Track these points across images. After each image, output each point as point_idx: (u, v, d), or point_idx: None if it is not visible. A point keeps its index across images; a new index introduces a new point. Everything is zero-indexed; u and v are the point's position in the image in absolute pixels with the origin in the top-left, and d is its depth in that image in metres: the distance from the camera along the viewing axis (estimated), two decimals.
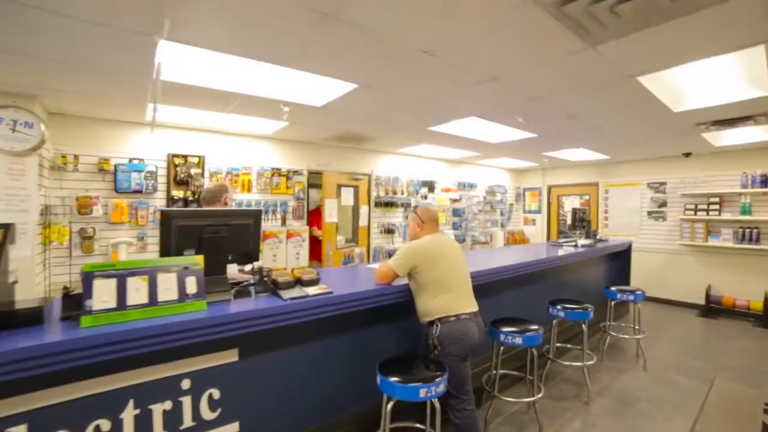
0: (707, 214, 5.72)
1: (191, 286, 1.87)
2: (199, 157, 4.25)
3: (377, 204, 5.70)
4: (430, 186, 6.35)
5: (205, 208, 2.80)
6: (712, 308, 5.64)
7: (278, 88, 3.05)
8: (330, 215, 5.11)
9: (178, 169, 4.14)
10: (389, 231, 5.81)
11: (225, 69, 2.64)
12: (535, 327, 2.71)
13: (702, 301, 5.79)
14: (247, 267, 2.55)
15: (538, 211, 8.08)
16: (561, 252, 4.24)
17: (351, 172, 5.57)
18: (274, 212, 4.82)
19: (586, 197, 7.47)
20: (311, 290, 2.19)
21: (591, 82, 2.76)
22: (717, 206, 5.64)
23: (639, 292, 3.94)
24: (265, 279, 2.28)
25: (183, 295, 1.82)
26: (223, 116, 3.82)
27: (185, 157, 4.19)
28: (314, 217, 5.27)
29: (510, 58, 2.39)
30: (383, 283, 2.40)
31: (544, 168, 8.01)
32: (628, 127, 4.16)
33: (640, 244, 6.53)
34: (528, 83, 2.80)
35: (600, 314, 4.40)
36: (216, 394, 1.86)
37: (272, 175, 4.78)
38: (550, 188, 8.00)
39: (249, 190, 4.64)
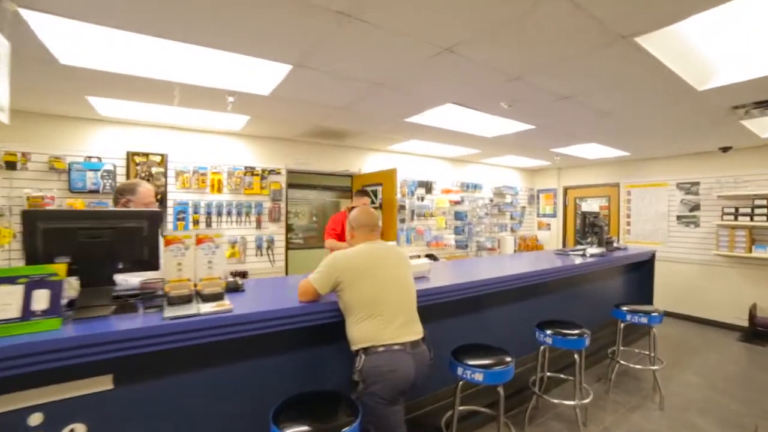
0: (751, 220, 4.78)
1: (41, 301, 1.50)
2: (161, 155, 3.95)
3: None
4: (428, 187, 5.78)
5: (81, 209, 2.42)
6: (758, 332, 4.69)
7: (219, 75, 2.65)
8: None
9: (138, 167, 3.85)
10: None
11: (156, 55, 2.29)
12: (507, 359, 2.12)
13: (745, 323, 4.85)
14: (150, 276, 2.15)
15: (554, 215, 7.28)
16: (564, 262, 3.57)
17: (335, 172, 5.12)
18: (248, 214, 4.44)
19: (606, 200, 6.61)
20: (206, 307, 1.76)
21: (579, 49, 2.14)
22: (764, 210, 4.69)
23: (655, 314, 3.20)
24: (159, 292, 1.90)
25: (28, 312, 1.46)
26: (186, 111, 3.49)
27: (147, 155, 3.89)
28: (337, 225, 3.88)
29: (473, 22, 1.84)
30: (305, 300, 1.93)
31: (560, 168, 7.21)
32: (642, 115, 3.43)
33: (669, 253, 5.63)
34: (503, 56, 2.22)
35: (612, 336, 3.68)
36: (81, 429, 1.47)
37: (245, 175, 4.41)
38: (566, 189, 7.18)
39: (219, 190, 4.29)
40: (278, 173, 4.65)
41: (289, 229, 7.22)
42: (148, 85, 2.75)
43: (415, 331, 1.87)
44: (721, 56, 2.58)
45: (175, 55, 2.30)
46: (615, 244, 4.89)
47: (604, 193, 6.61)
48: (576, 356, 2.56)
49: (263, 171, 4.53)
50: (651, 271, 4.91)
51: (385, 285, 1.86)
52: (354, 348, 1.80)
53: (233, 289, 2.23)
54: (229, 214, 4.34)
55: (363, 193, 4.07)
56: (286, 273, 4.70)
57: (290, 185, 6.72)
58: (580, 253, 4.17)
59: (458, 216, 6.10)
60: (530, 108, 3.19)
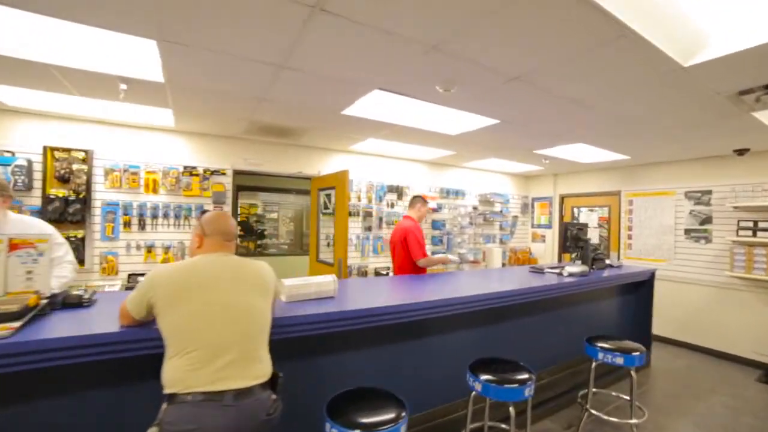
0: None
1: None
2: (86, 151, 3.56)
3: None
4: (399, 192, 5.20)
5: None
6: None
7: (103, 58, 2.24)
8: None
9: (57, 164, 3.48)
10: None
11: (29, 33, 1.94)
12: (388, 417, 1.53)
13: (766, 359, 4.00)
14: None
15: (549, 226, 6.52)
16: (533, 282, 2.92)
17: (291, 174, 4.63)
18: (186, 217, 4.00)
19: (606, 210, 5.82)
20: None
21: (522, 10, 1.56)
22: None
23: (636, 353, 2.49)
24: None
25: None
26: (113, 104, 3.10)
27: (68, 150, 3.52)
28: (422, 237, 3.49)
29: None
30: (124, 324, 1.46)
31: (555, 174, 6.47)
32: (624, 104, 2.76)
33: (675, 272, 4.81)
34: (416, 19, 1.66)
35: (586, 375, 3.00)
36: None
37: (183, 175, 3.97)
38: (562, 198, 6.43)
39: (155, 191, 3.87)
40: (223, 174, 4.19)
41: (258, 235, 6.80)
42: (28, 69, 2.35)
43: (250, 375, 1.33)
44: (713, 24, 1.92)
45: (50, 33, 1.94)
46: (607, 261, 4.17)
47: (603, 202, 5.83)
48: (511, 409, 1.91)
49: (205, 171, 4.08)
50: (650, 293, 4.15)
51: (206, 312, 1.34)
52: (163, 392, 1.28)
53: (73, 303, 1.78)
54: (165, 216, 3.91)
55: (420, 200, 3.61)
56: None
57: (250, 188, 6.37)
58: (557, 271, 3.49)
59: (435, 225, 5.48)
60: (476, 93, 2.59)
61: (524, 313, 3.01)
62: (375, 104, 2.96)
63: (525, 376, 2.00)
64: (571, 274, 3.37)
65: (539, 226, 6.70)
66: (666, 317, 4.86)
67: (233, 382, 1.28)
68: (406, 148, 4.70)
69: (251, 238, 6.65)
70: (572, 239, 3.76)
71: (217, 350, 1.30)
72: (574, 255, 3.86)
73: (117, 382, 1.56)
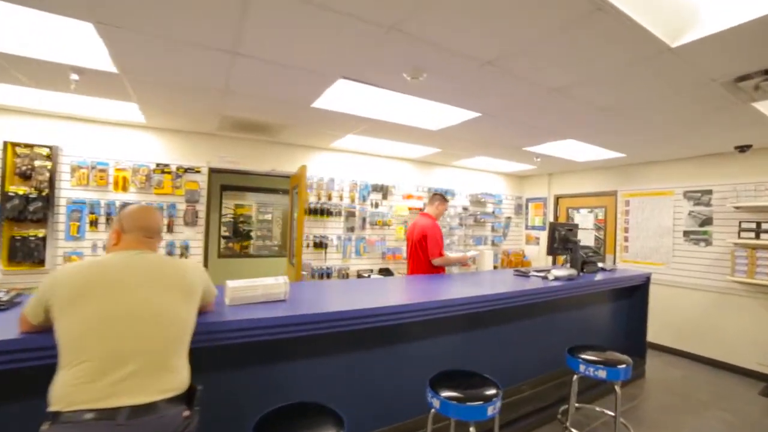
0: None
1: None
2: (50, 147, 3.40)
3: (305, 211, 4.49)
4: (384, 191, 5.00)
5: None
6: None
7: (53, 46, 2.09)
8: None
9: (18, 160, 3.32)
10: (320, 245, 4.55)
11: None
12: None
13: None
14: None
15: (543, 227, 6.27)
16: (516, 287, 2.70)
17: (270, 172, 4.44)
18: None
19: (602, 211, 5.57)
20: None
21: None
22: None
23: (621, 366, 2.26)
24: None
25: None
26: (79, 99, 2.95)
27: (31, 146, 3.36)
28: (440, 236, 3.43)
29: None
30: (23, 330, 1.29)
31: (550, 173, 6.23)
32: (612, 95, 2.54)
33: (673, 276, 4.56)
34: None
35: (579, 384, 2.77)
36: None
37: (154, 172, 3.80)
38: (557, 198, 6.18)
39: (125, 189, 3.70)
40: (197, 172, 4.02)
41: (244, 236, 6.62)
42: None
43: (155, 388, 1.15)
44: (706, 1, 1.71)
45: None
46: (600, 265, 3.93)
47: (599, 203, 5.58)
48: (471, 429, 1.69)
49: (178, 169, 3.91)
50: (644, 298, 3.90)
51: (105, 316, 1.17)
52: (47, 411, 1.10)
53: None
54: None
55: (445, 198, 3.55)
56: None
57: (237, 188, 6.17)
58: (543, 274, 3.26)
59: None
60: (448, 81, 2.38)
61: (504, 320, 2.80)
62: (345, 96, 2.77)
63: (491, 391, 1.78)
64: (557, 278, 3.15)
65: (533, 227, 6.46)
66: (663, 324, 4.61)
67: (131, 398, 1.09)
68: (391, 146, 4.51)
69: (237, 239, 6.47)
70: (560, 241, 3.53)
71: (113, 360, 1.11)
72: (564, 258, 3.64)
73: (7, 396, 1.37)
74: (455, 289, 2.66)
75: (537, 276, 3.28)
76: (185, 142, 4.00)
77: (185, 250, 3.93)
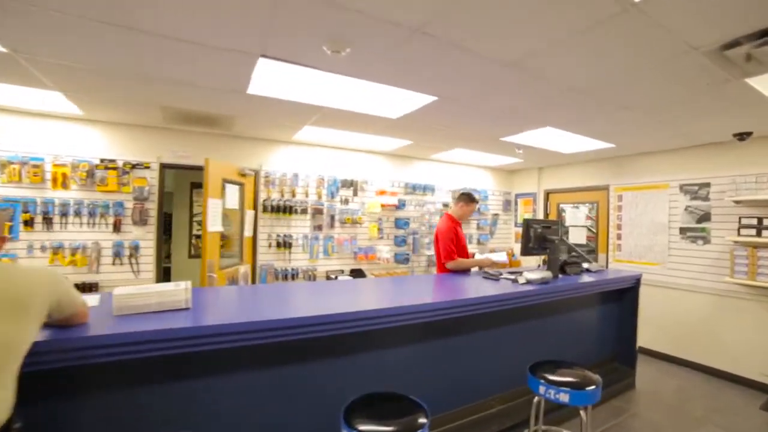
0: None
1: None
2: None
3: (267, 209, 4.19)
4: (355, 187, 4.67)
5: None
6: None
7: None
8: (213, 223, 3.57)
9: None
10: (284, 245, 4.25)
11: None
12: None
13: None
14: None
15: None
16: (480, 292, 2.37)
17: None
18: (103, 215, 3.55)
19: (594, 207, 5.17)
20: None
21: None
22: None
23: (590, 388, 1.91)
24: None
25: None
26: (7, 88, 2.69)
27: None
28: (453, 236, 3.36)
29: None
30: None
31: (540, 167, 5.84)
32: (565, 66, 2.18)
33: (668, 277, 4.16)
34: None
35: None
36: None
37: (97, 168, 3.53)
38: (547, 194, 5.79)
39: (65, 186, 3.44)
40: (147, 167, 3.74)
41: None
42: None
43: None
44: None
45: None
46: (585, 265, 3.57)
47: (591, 197, 5.18)
48: None
49: (125, 165, 3.63)
50: (634, 302, 3.53)
51: None
52: None
53: None
54: (77, 214, 3.47)
55: (472, 198, 3.41)
56: None
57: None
58: (514, 278, 2.91)
59: (398, 224, 4.93)
60: (378, 54, 2.04)
61: (465, 330, 2.46)
62: (283, 81, 2.45)
63: (420, 420, 1.46)
64: (529, 282, 2.80)
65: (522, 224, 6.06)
66: (658, 329, 4.22)
67: None
68: (359, 139, 4.18)
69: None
70: (537, 240, 3.18)
71: None
72: (540, 258, 3.29)
73: None
74: (406, 295, 2.33)
75: (508, 279, 2.93)
76: (133, 136, 3.72)
77: (135, 251, 3.66)
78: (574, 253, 3.63)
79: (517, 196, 6.17)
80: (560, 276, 3.20)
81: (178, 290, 1.73)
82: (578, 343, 3.32)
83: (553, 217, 5.68)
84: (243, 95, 2.72)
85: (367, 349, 2.04)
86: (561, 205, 5.62)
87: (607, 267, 4.81)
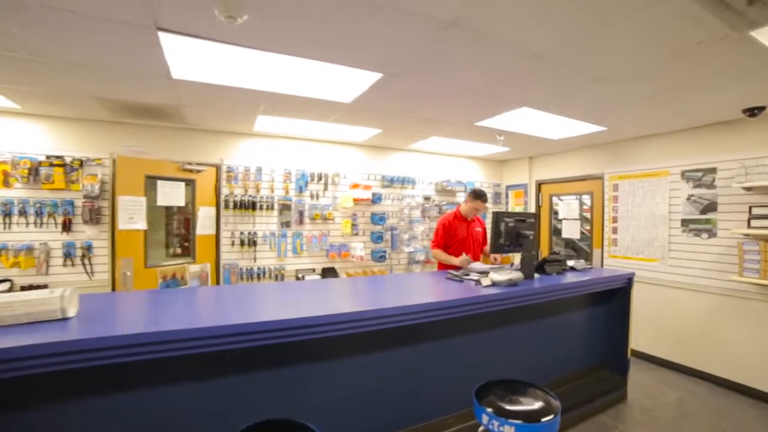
0: None
1: None
2: None
3: (228, 205, 3.89)
4: (326, 180, 4.32)
5: None
6: None
7: None
8: (129, 220, 3.35)
9: None
10: (249, 243, 3.94)
11: None
12: None
13: None
14: None
15: None
16: (440, 296, 2.01)
17: (190, 161, 3.85)
18: (51, 215, 3.31)
19: (588, 198, 4.68)
20: None
21: None
22: None
23: (547, 419, 1.52)
24: None
25: None
26: None
27: None
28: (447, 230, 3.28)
29: None
30: None
31: (531, 156, 5.35)
32: (520, 25, 1.76)
33: (669, 274, 3.68)
34: None
35: None
36: None
37: (42, 165, 3.28)
38: (539, 185, 5.31)
39: (8, 185, 3.20)
40: (98, 163, 3.47)
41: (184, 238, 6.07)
42: None
43: None
44: None
45: None
46: (571, 263, 3.14)
47: (585, 188, 4.69)
48: None
49: (73, 161, 3.38)
50: (626, 305, 3.07)
51: None
52: None
53: None
54: (22, 214, 3.24)
55: (477, 195, 3.19)
56: (114, 287, 3.52)
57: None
58: (477, 278, 2.51)
59: (375, 219, 4.56)
60: (285, 19, 1.67)
61: (413, 340, 2.09)
62: (202, 62, 2.12)
63: None
64: (495, 284, 2.40)
65: None
66: (657, 332, 3.74)
67: None
68: (327, 130, 3.82)
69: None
70: (508, 235, 2.76)
71: None
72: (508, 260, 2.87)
73: None
74: (332, 301, 1.98)
75: (472, 280, 2.54)
76: (82, 132, 3.46)
77: (87, 251, 3.42)
78: (556, 251, 3.20)
79: (508, 188, 5.70)
80: (537, 276, 2.79)
81: (51, 298, 1.44)
82: (560, 350, 2.91)
83: (545, 209, 5.20)
84: (170, 81, 2.40)
85: (271, 366, 1.70)
86: (553, 197, 5.14)
87: (602, 264, 4.33)
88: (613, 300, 3.18)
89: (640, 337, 3.81)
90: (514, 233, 2.75)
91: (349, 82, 2.47)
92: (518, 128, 3.69)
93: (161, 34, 1.78)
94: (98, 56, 2.07)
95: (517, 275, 2.47)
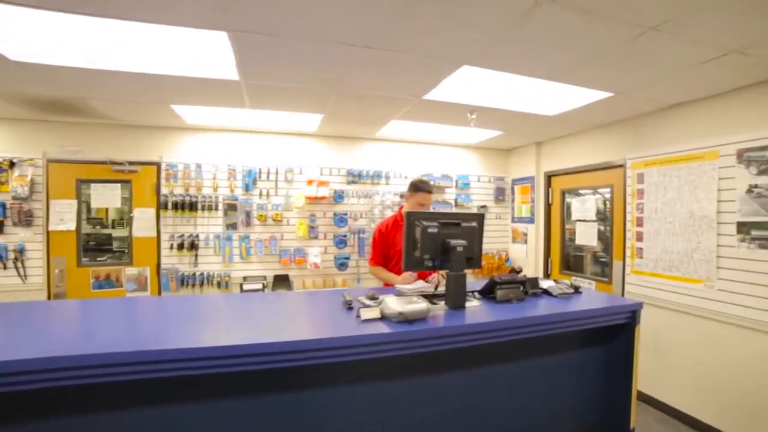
0: None
1: None
2: None
3: (167, 206, 3.45)
4: (277, 177, 3.69)
5: None
6: None
7: None
8: (61, 221, 3.10)
9: None
10: (189, 246, 3.47)
11: None
12: None
13: None
14: None
15: (531, 219, 4.28)
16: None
17: (126, 160, 3.48)
18: None
19: (609, 191, 3.45)
20: None
21: None
22: None
23: None
24: None
25: None
26: None
27: None
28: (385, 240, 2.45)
29: None
30: None
31: (538, 142, 4.19)
32: None
33: (718, 302, 2.45)
34: None
35: None
36: None
37: None
38: (549, 177, 4.13)
39: None
40: (31, 164, 3.24)
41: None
42: None
43: None
44: None
45: None
46: (546, 285, 2.18)
47: (603, 180, 3.47)
48: None
49: (2, 162, 3.18)
50: (629, 347, 2.00)
51: None
52: None
53: None
54: None
55: (417, 187, 2.39)
56: (49, 293, 3.29)
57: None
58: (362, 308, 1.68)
59: (337, 221, 3.83)
60: None
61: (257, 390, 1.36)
62: (46, 41, 1.61)
63: None
64: (384, 317, 1.57)
65: (520, 219, 4.48)
66: (694, 384, 2.52)
67: None
68: (271, 118, 3.20)
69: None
70: (430, 245, 1.86)
71: None
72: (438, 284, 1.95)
73: None
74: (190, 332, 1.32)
75: (367, 307, 1.71)
76: (10, 131, 3.25)
77: (20, 254, 3.21)
78: (517, 267, 2.19)
79: (514, 182, 4.58)
80: (476, 305, 1.87)
81: None
82: (524, 410, 1.94)
83: (556, 209, 4.02)
84: (19, 65, 1.94)
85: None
86: (566, 193, 3.94)
87: (623, 283, 3.13)
88: (616, 339, 2.11)
89: (665, 387, 2.63)
90: (439, 242, 1.85)
91: (202, 48, 1.79)
92: (489, 101, 2.71)
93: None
94: None
95: (421, 307, 1.59)
